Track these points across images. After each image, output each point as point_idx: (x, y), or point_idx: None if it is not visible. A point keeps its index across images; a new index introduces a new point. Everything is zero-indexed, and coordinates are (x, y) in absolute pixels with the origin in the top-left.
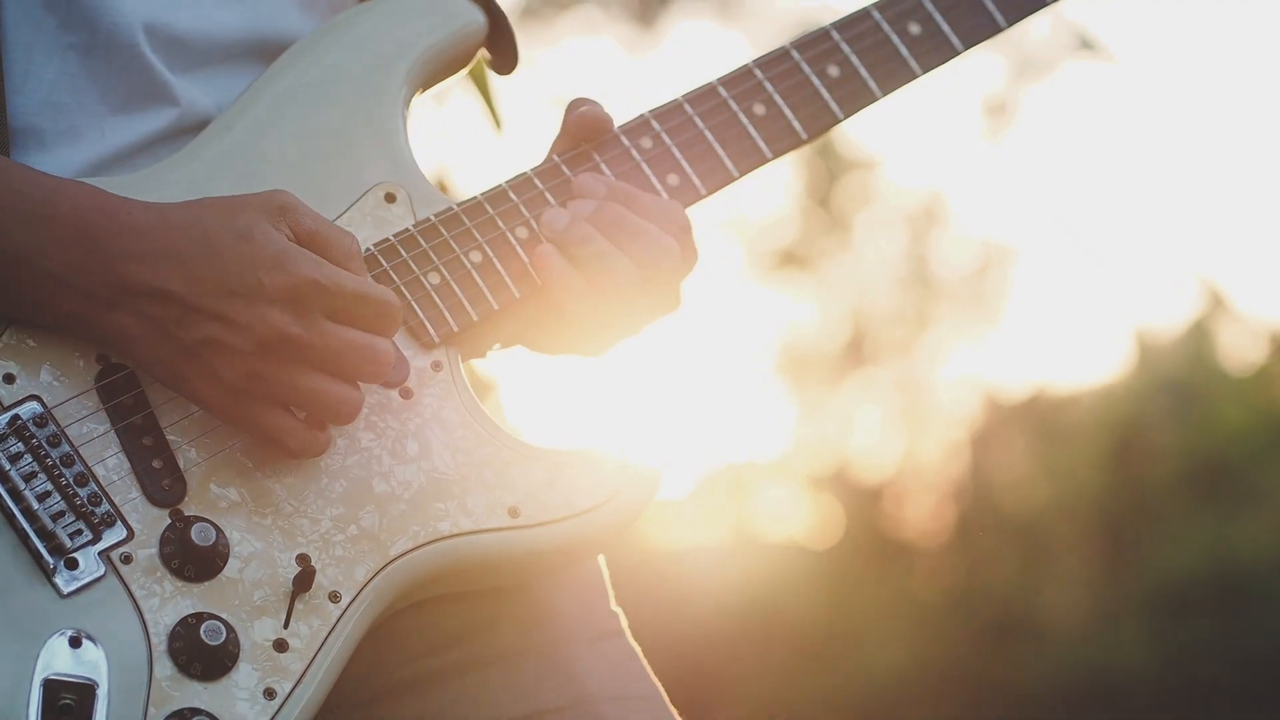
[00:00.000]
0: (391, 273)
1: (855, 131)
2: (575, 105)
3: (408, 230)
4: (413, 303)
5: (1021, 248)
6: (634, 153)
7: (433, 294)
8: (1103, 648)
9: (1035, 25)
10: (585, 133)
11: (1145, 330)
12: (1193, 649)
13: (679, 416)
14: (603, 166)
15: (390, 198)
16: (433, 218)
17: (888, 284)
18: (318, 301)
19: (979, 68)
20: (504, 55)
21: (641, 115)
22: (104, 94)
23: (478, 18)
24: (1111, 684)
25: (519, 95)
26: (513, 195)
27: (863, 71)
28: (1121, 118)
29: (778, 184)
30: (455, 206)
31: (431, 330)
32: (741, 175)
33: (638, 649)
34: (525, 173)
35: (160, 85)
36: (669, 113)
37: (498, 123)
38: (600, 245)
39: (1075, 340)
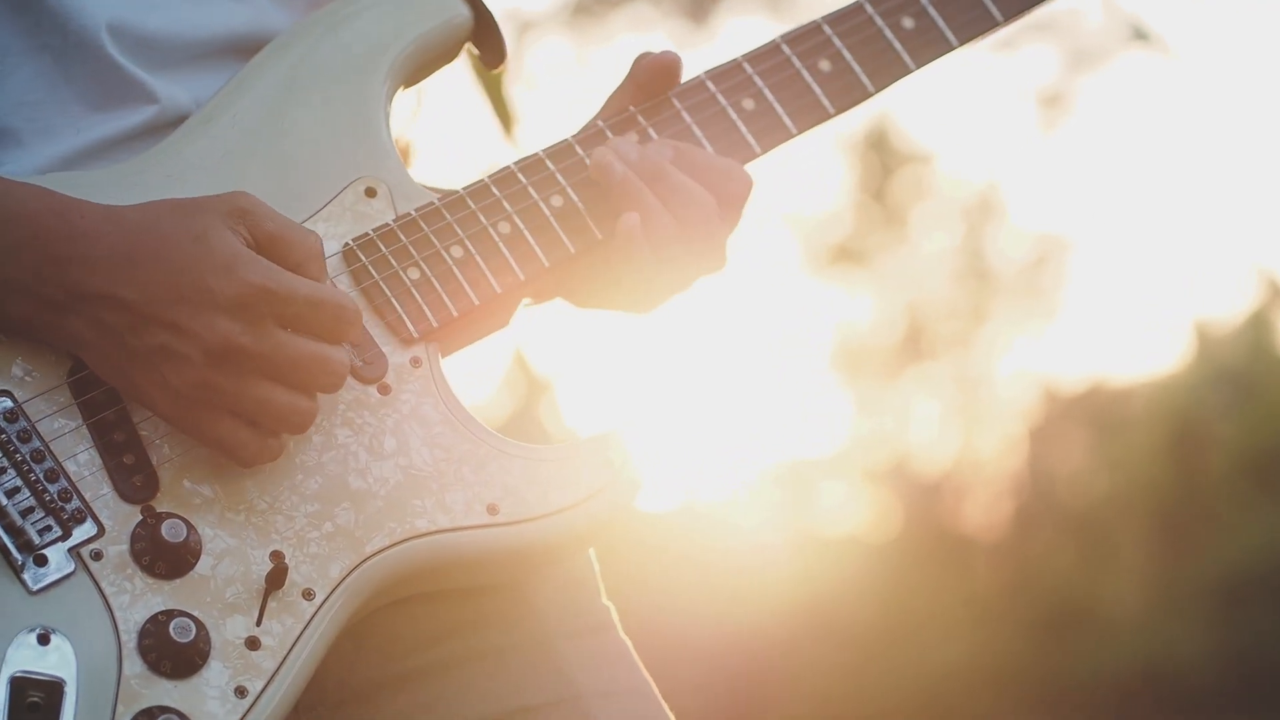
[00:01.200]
0: (370, 268)
1: (909, 124)
2: (644, 56)
3: (387, 225)
4: (391, 298)
5: (1078, 240)
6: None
7: (412, 289)
8: (1162, 640)
9: (1089, 16)
10: (656, 80)
11: (1203, 321)
12: (1252, 640)
13: (736, 413)
14: (651, 131)
15: (371, 192)
16: (413, 212)
17: (944, 278)
18: (268, 309)
19: (1032, 59)
20: (491, 50)
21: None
22: (80, 93)
23: (462, 11)
24: (1170, 676)
25: (573, 92)
26: (494, 189)
27: (855, 66)
28: (1178, 108)
29: (831, 178)
30: (437, 201)
31: (410, 325)
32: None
33: (628, 643)
34: (508, 166)
35: (135, 84)
36: (657, 106)
37: (507, 125)
38: (650, 199)
39: (1133, 332)
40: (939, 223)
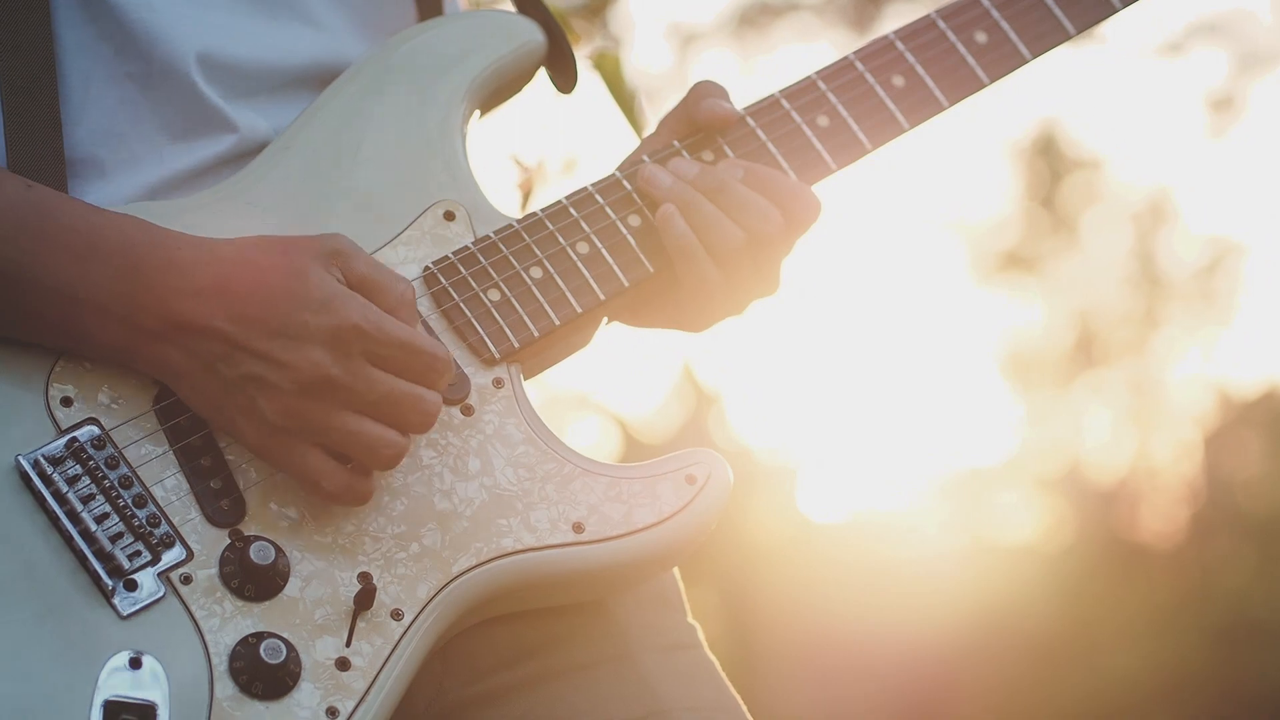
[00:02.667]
0: (451, 290)
1: (1078, 130)
2: (706, 93)
3: (467, 248)
4: (472, 320)
5: (1252, 243)
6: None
7: (493, 310)
8: None
9: (1259, 18)
10: (710, 127)
11: None
12: None
13: (906, 423)
14: (727, 149)
15: (449, 215)
16: (492, 235)
17: (1115, 284)
18: (362, 346)
19: (1202, 62)
20: (564, 74)
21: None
22: (163, 122)
23: (536, 36)
24: None
25: (738, 102)
26: (572, 210)
27: (928, 81)
28: None
29: (999, 185)
30: (515, 224)
31: (492, 347)
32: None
33: (715, 661)
34: (585, 188)
35: (216, 113)
36: (758, 112)
37: (638, 129)
38: (707, 208)
39: None
40: (1109, 228)
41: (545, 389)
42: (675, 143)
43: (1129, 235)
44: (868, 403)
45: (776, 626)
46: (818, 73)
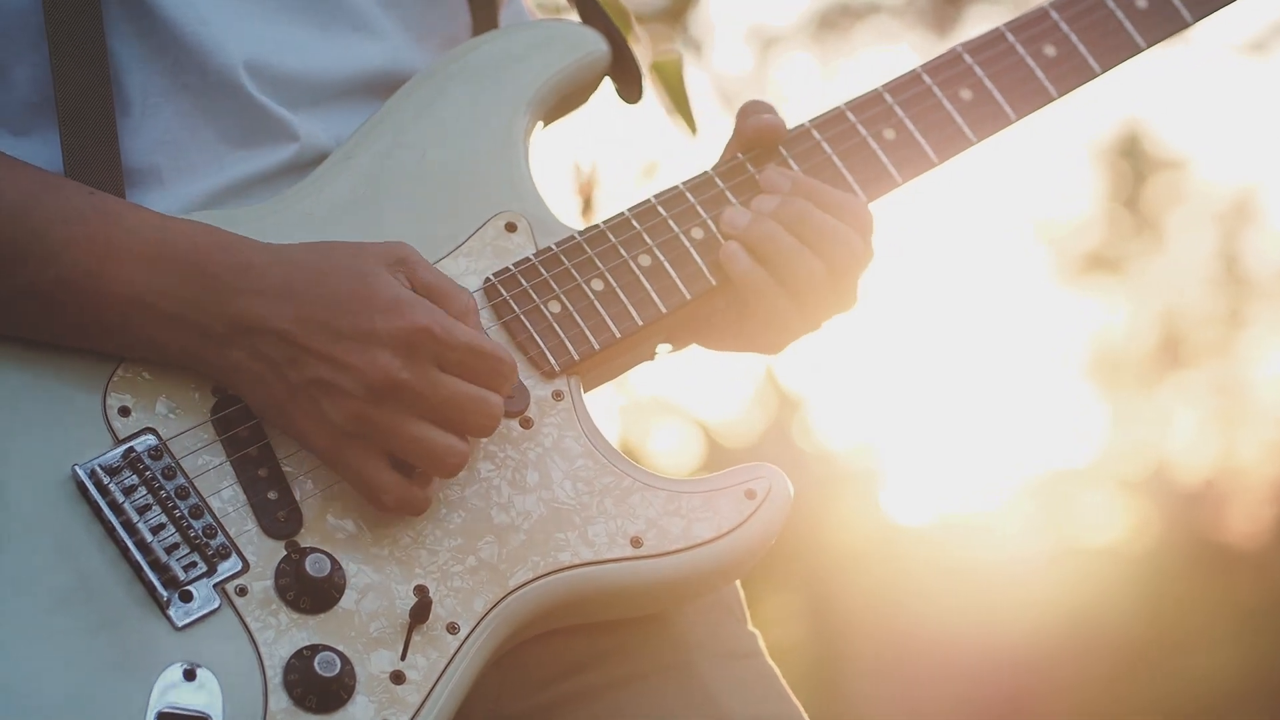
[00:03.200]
0: (511, 302)
1: (1162, 131)
2: (751, 111)
3: (528, 259)
4: (533, 332)
5: None
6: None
7: (553, 323)
8: None
9: None
10: (760, 142)
11: None
12: None
13: (991, 425)
14: (791, 162)
15: (511, 227)
16: (554, 246)
17: (1200, 284)
18: (429, 349)
19: None
20: (628, 84)
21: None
22: (222, 132)
23: (600, 46)
24: None
25: (820, 105)
26: (635, 223)
27: (996, 95)
28: None
29: (1082, 186)
30: (577, 235)
31: (552, 359)
32: (870, 199)
33: (776, 669)
34: (648, 199)
35: (277, 122)
36: (823, 125)
37: (692, 126)
38: (786, 241)
39: None
40: (1193, 229)
41: (628, 395)
42: (739, 155)
43: (1213, 235)
44: (952, 405)
45: (861, 630)
46: (884, 85)
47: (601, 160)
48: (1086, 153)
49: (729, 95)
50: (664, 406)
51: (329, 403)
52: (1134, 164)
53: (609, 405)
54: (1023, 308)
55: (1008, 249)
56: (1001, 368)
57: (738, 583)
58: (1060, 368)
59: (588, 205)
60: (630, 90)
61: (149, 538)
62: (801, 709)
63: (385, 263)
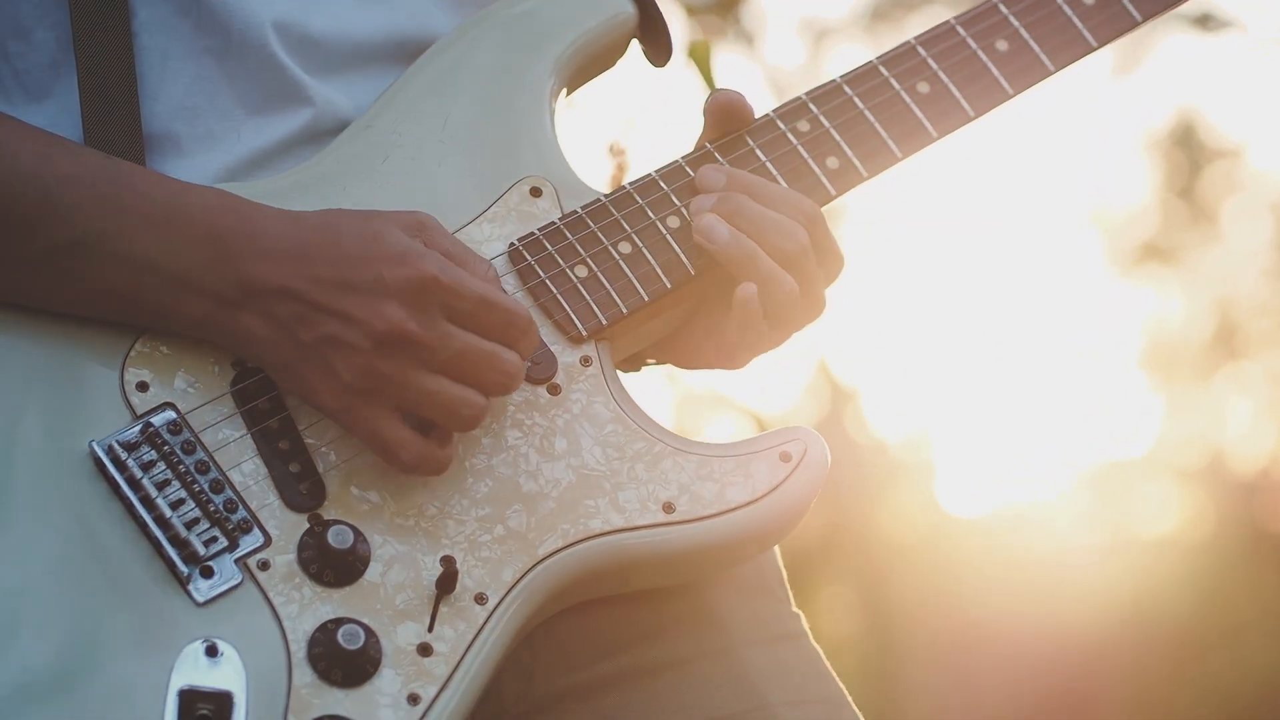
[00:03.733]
0: (536, 267)
1: (1218, 120)
2: (715, 94)
3: (553, 224)
4: (559, 296)
5: None
6: (790, 136)
7: (579, 287)
8: None
9: None
10: (724, 117)
11: None
12: None
13: (1046, 416)
14: (757, 151)
15: (536, 191)
16: (579, 210)
17: (1256, 274)
18: (438, 299)
19: None
20: (658, 47)
21: (797, 97)
22: (240, 96)
23: (626, 8)
24: None
25: None
26: (662, 184)
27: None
28: None
29: (1137, 176)
30: (603, 198)
31: (579, 324)
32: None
33: (819, 651)
34: (676, 160)
35: (294, 85)
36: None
37: None
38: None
39: None
40: (1249, 218)
41: (681, 386)
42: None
43: (1269, 225)
44: (1007, 395)
45: (916, 622)
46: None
47: (636, 139)
48: (1141, 142)
49: (782, 88)
50: (718, 399)
51: (339, 359)
52: (1189, 153)
53: (662, 399)
54: (1078, 298)
55: (1063, 239)
56: (1056, 358)
57: (780, 561)
58: (1115, 358)
59: (618, 175)
60: (659, 54)
61: (168, 513)
62: (844, 690)
63: (401, 223)
